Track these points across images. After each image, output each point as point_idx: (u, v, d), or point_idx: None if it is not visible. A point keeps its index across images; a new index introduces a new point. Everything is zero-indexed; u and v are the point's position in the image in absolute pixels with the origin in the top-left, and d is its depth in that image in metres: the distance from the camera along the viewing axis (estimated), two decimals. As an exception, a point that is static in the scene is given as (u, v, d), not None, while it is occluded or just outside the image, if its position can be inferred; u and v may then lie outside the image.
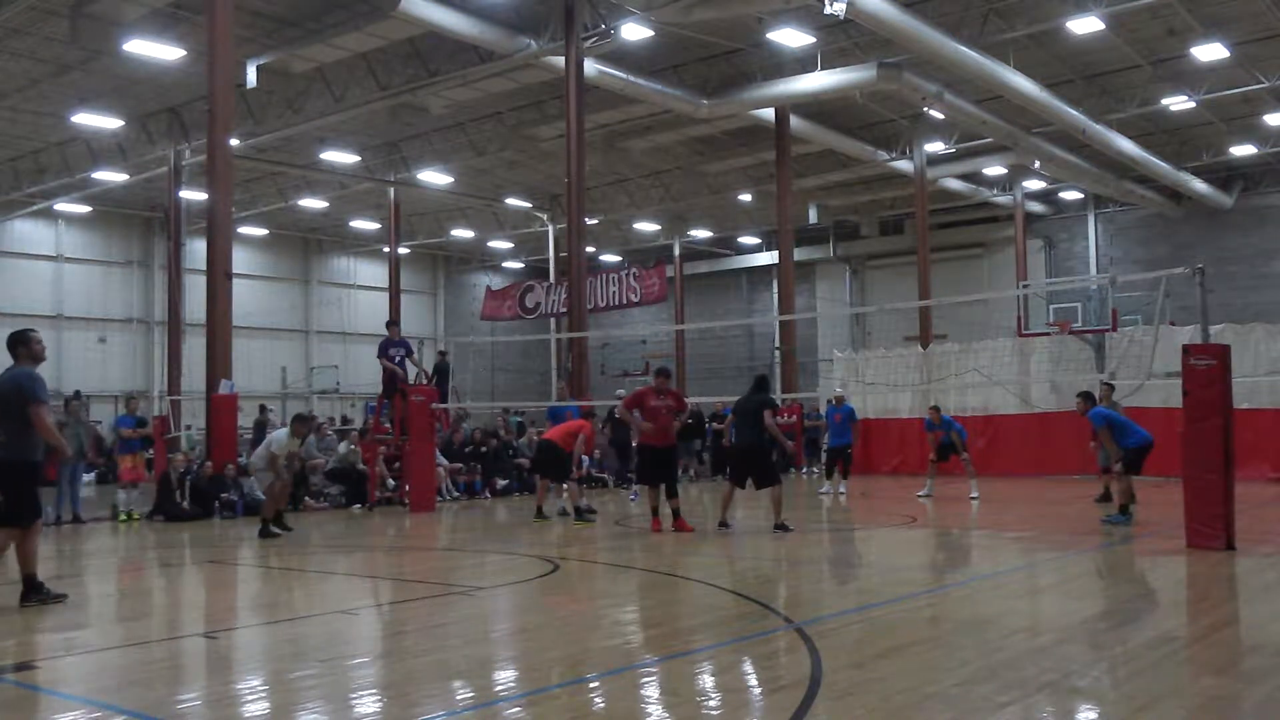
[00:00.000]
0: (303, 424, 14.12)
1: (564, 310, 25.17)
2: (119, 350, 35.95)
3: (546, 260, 38.24)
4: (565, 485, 15.12)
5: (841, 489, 18.23)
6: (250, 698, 5.58)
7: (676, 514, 12.72)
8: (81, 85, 24.58)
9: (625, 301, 26.97)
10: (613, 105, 26.34)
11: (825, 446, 20.56)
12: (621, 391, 20.13)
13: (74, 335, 34.91)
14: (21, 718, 5.15)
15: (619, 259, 43.80)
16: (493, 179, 34.46)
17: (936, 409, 17.94)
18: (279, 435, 13.73)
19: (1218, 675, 5.62)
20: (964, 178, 34.42)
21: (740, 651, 6.43)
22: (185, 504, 16.09)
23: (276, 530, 13.13)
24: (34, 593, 8.05)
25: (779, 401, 25.89)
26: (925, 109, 26.53)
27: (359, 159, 31.38)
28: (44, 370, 8.41)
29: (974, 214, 38.53)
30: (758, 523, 13.51)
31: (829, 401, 19.85)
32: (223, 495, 16.12)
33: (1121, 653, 6.14)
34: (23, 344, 8.12)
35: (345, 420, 30.29)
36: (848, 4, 17.60)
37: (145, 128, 27.62)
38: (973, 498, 16.45)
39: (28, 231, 34.73)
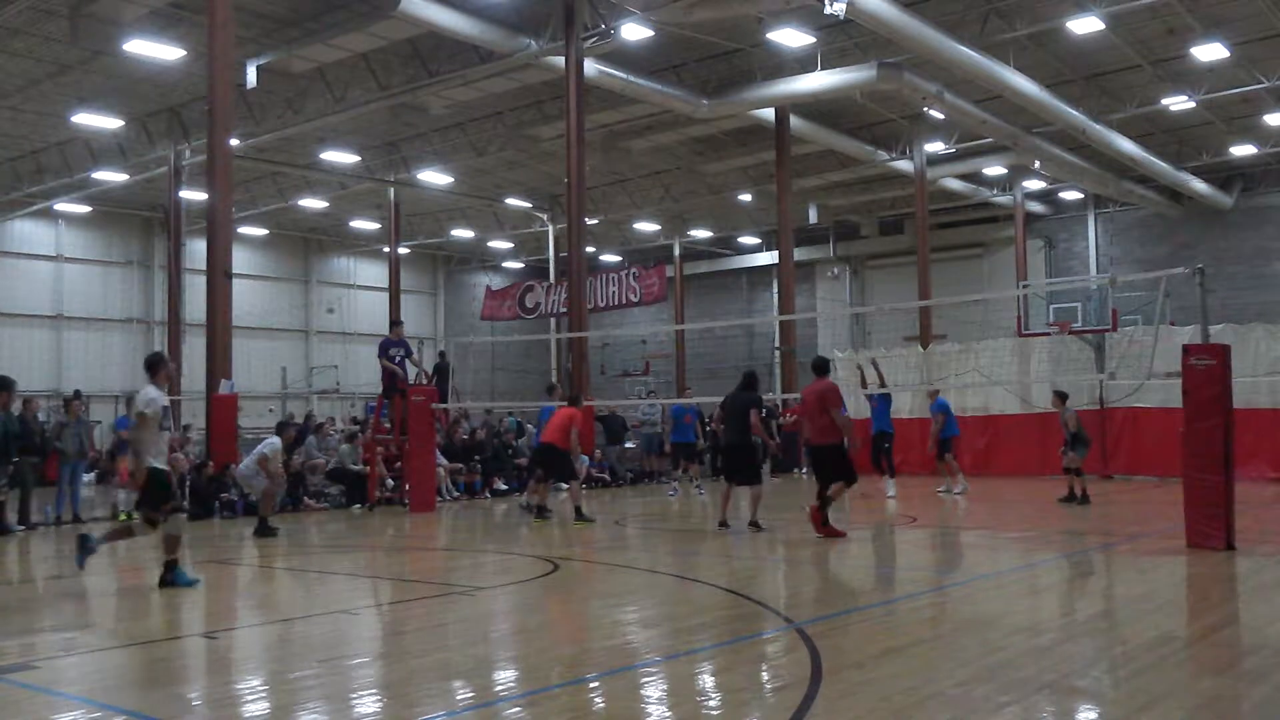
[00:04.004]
0: (288, 429, 14.86)
1: (564, 310, 25.19)
2: (119, 350, 35.93)
3: (546, 260, 38.24)
4: (567, 485, 15.15)
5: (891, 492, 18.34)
6: (250, 698, 5.58)
7: (824, 517, 11.85)
8: (81, 85, 24.58)
9: (625, 301, 26.99)
10: (613, 105, 26.33)
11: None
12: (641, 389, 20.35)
13: (74, 335, 34.91)
14: (21, 718, 5.15)
15: (619, 259, 43.79)
16: (493, 179, 34.46)
17: (936, 391, 18.21)
18: (274, 441, 13.94)
19: (1218, 675, 5.62)
20: (964, 178, 34.41)
21: (740, 651, 6.43)
22: (185, 504, 16.08)
23: (274, 526, 13.33)
24: None
25: (778, 401, 25.91)
26: (925, 109, 26.53)
27: (359, 159, 31.37)
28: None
29: (974, 214, 38.52)
30: (763, 523, 13.51)
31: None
32: (223, 495, 16.11)
33: (1121, 653, 6.14)
34: None
35: (355, 421, 30.23)
36: (848, 4, 17.60)
37: (145, 128, 27.62)
38: (939, 491, 16.82)
39: (28, 231, 34.71)
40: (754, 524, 12.53)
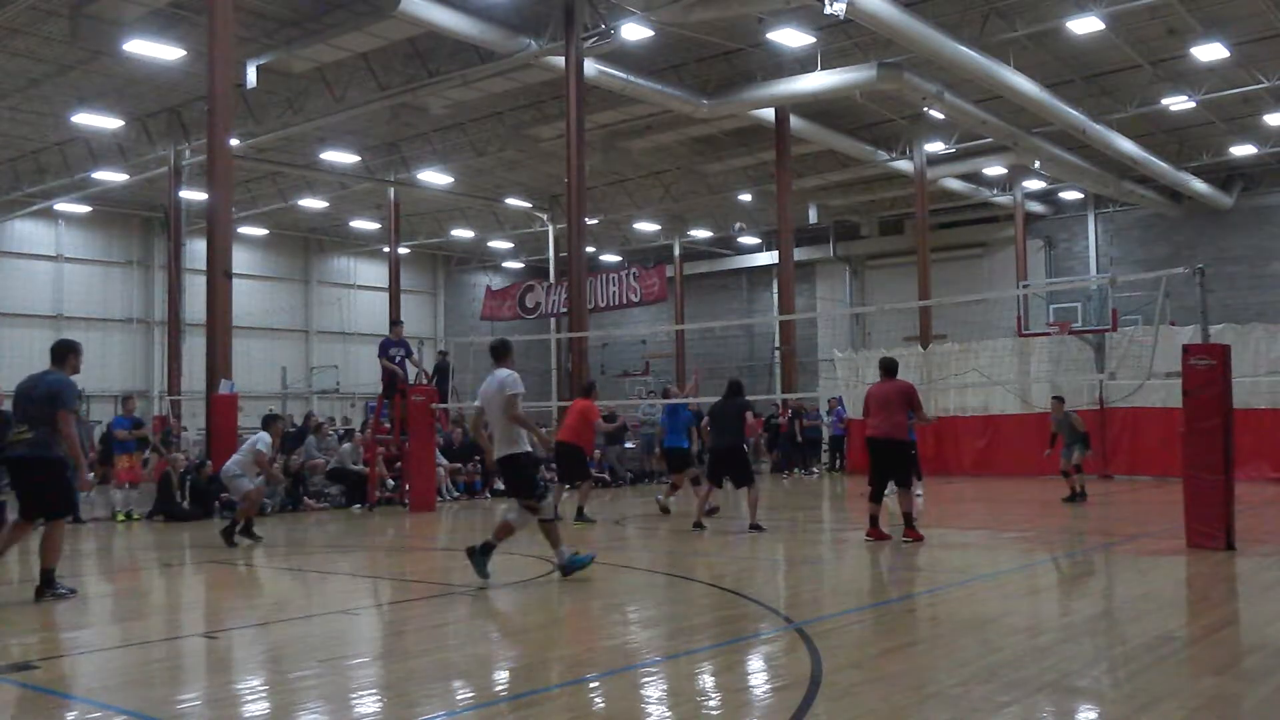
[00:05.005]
0: (275, 421, 13.78)
1: (564, 310, 25.19)
2: (119, 350, 35.92)
3: (546, 260, 38.24)
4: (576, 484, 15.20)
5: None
6: (250, 698, 5.58)
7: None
8: (81, 85, 24.58)
9: (625, 301, 26.99)
10: (613, 105, 26.33)
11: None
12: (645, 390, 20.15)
13: (74, 335, 34.66)
14: (22, 718, 5.15)
15: (619, 259, 43.78)
16: (493, 179, 34.46)
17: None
18: (265, 437, 13.16)
19: (1218, 675, 5.62)
20: (964, 178, 34.41)
21: (740, 651, 6.44)
22: (185, 504, 16.09)
23: (257, 535, 12.56)
24: (48, 587, 8.40)
25: (777, 402, 25.92)
26: (925, 109, 26.52)
27: (359, 159, 31.37)
28: (43, 369, 8.70)
29: (974, 214, 38.52)
30: (764, 524, 13.53)
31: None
32: (223, 495, 16.07)
33: (1121, 653, 6.15)
34: (73, 353, 8.74)
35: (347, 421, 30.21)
36: (848, 4, 17.60)
37: (145, 128, 27.62)
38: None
39: (28, 231, 34.71)
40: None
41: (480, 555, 8.75)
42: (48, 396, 8.38)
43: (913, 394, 11.53)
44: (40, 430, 8.32)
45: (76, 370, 8.79)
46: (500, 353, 9.14)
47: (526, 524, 8.88)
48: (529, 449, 8.95)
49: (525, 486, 8.85)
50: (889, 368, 11.89)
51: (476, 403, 9.28)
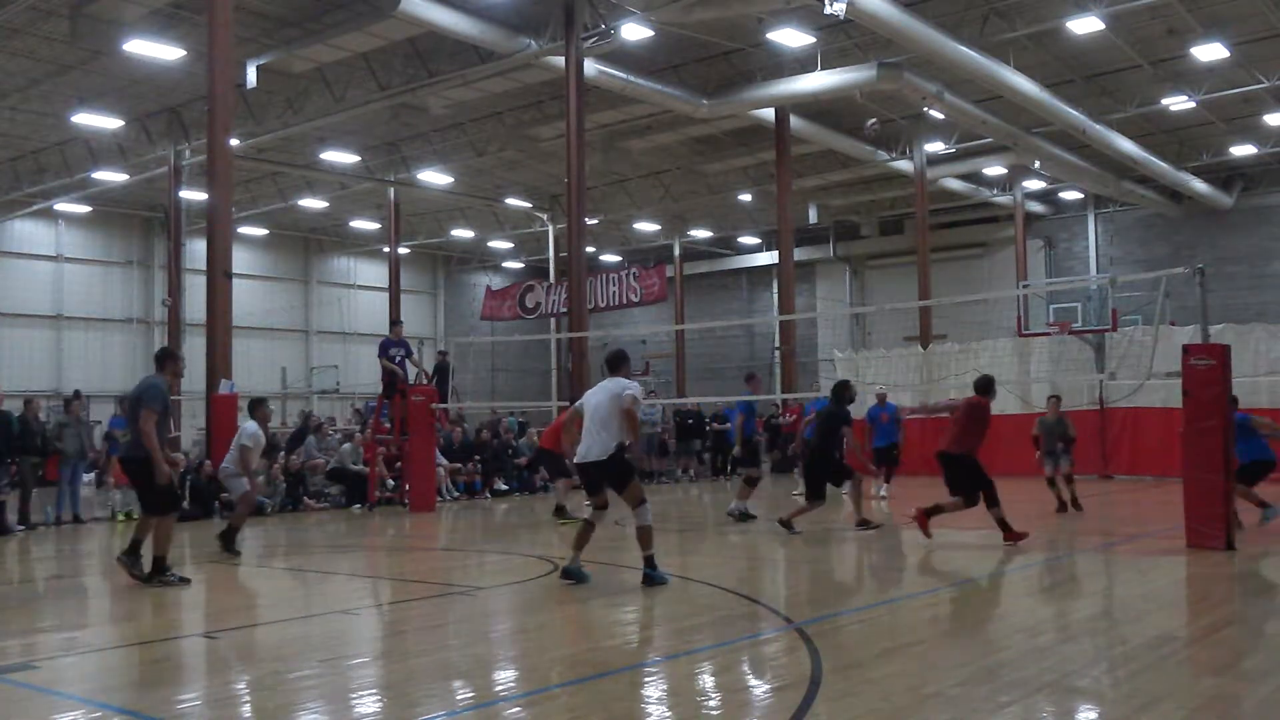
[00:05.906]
0: (262, 406, 12.33)
1: (564, 310, 25.21)
2: (119, 350, 35.93)
3: (546, 260, 38.23)
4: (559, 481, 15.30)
5: (884, 491, 18.03)
6: (250, 698, 5.58)
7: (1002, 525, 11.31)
8: (81, 85, 24.58)
9: (625, 301, 27.01)
10: (613, 105, 26.33)
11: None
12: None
13: (74, 335, 34.90)
14: (21, 718, 5.15)
15: (619, 259, 43.78)
16: (493, 179, 34.46)
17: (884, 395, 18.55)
18: (249, 428, 11.84)
19: (1218, 675, 5.63)
20: (964, 178, 34.40)
21: (740, 651, 6.44)
22: (185, 504, 16.07)
23: (237, 550, 11.49)
24: (159, 573, 9.00)
25: (778, 402, 25.93)
26: (925, 109, 26.52)
27: (359, 159, 31.37)
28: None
29: (974, 214, 38.51)
30: (756, 523, 13.53)
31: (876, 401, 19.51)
32: (223, 495, 16.08)
33: (1121, 653, 6.15)
34: (171, 358, 9.52)
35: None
36: (848, 4, 17.60)
37: (145, 128, 27.61)
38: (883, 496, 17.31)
39: (28, 231, 34.70)
40: (863, 523, 12.47)
41: (649, 570, 8.65)
42: (135, 397, 9.03)
43: (965, 406, 11.50)
44: (133, 432, 8.99)
45: (178, 374, 9.53)
46: (617, 364, 9.03)
47: (649, 519, 8.69)
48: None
49: (630, 480, 8.86)
50: (976, 385, 11.89)
51: (577, 404, 9.19)
